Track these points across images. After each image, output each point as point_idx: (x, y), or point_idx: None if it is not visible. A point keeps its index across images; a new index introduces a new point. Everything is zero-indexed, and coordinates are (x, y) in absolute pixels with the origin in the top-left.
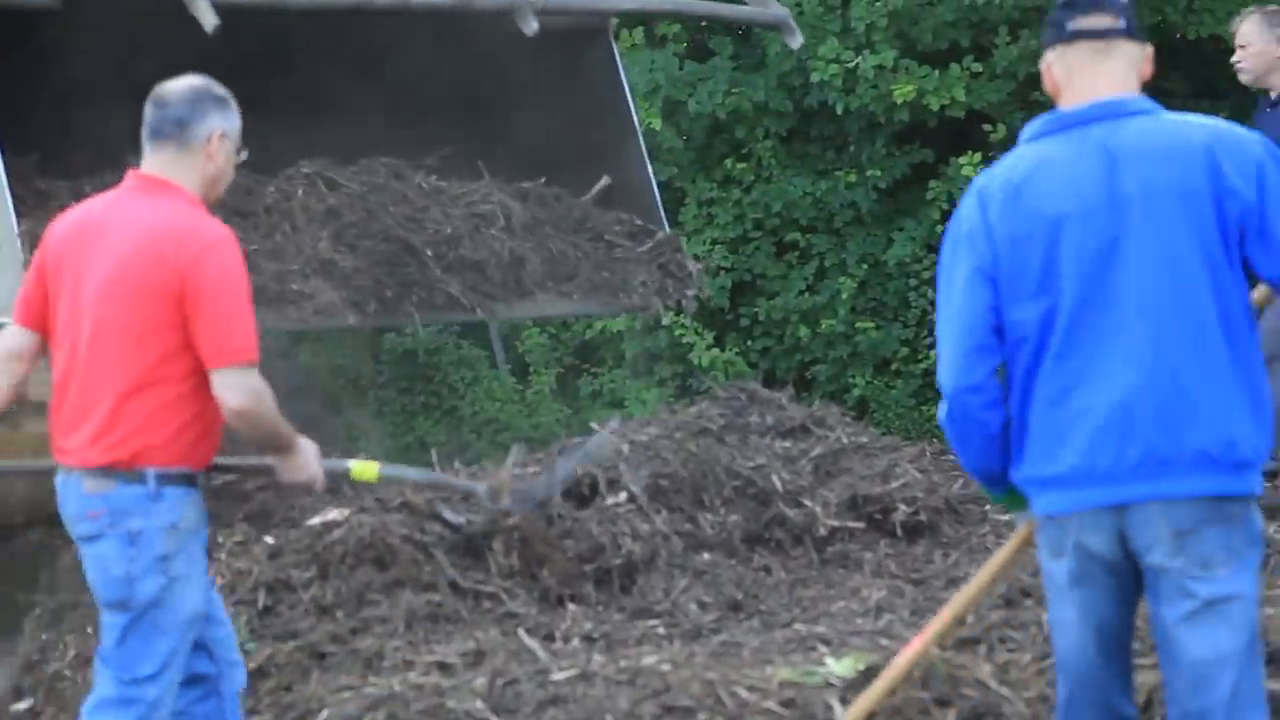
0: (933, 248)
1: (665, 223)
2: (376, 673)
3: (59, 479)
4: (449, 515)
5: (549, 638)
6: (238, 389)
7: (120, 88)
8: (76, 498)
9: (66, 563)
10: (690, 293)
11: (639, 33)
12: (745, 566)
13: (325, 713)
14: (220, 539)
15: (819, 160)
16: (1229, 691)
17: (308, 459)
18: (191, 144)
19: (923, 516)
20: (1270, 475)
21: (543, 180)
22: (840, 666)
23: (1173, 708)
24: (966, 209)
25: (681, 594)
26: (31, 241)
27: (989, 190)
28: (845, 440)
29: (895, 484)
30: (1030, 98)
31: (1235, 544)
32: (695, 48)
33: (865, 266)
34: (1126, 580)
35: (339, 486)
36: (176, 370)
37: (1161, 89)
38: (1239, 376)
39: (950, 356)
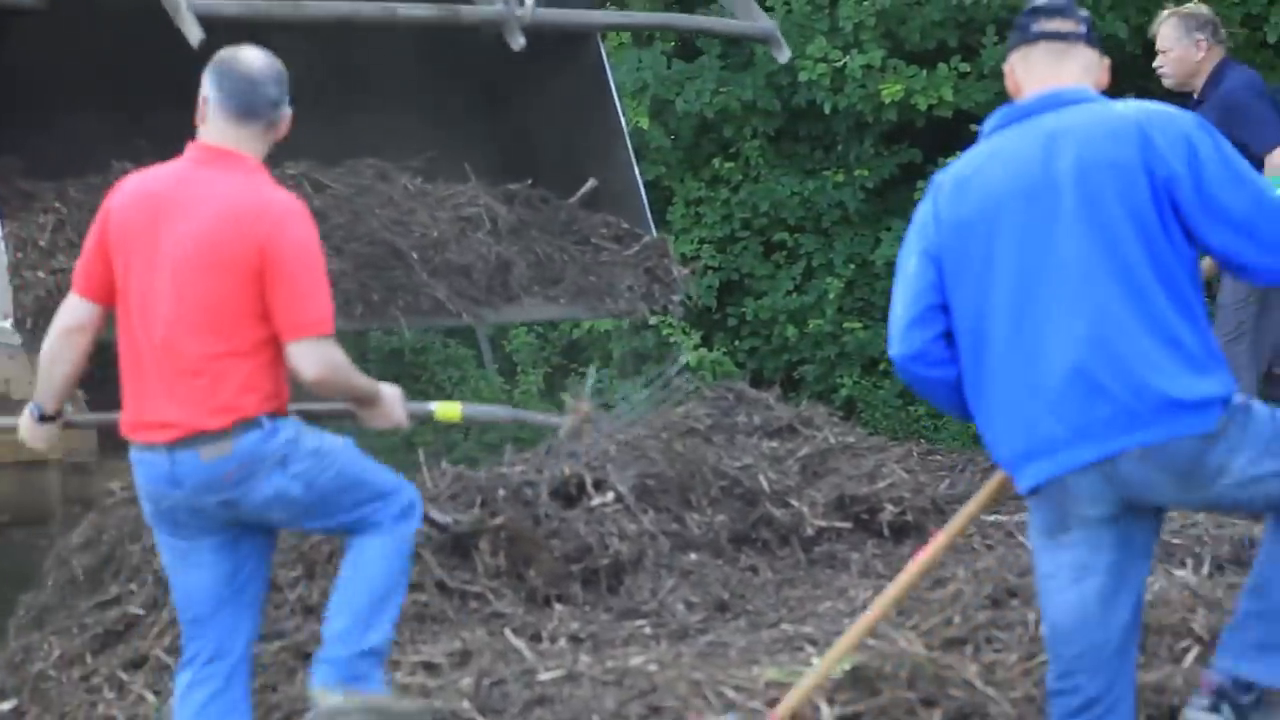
0: None
1: (652, 226)
2: None
3: (155, 458)
4: (435, 515)
5: (536, 638)
6: (315, 360)
7: (104, 89)
8: (198, 470)
9: (50, 563)
10: (676, 298)
11: (626, 32)
12: (732, 566)
13: (312, 713)
14: None
15: (807, 160)
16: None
17: (392, 405)
18: (278, 123)
19: (909, 517)
20: None
21: (529, 182)
22: None
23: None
24: (923, 203)
25: (668, 594)
26: (15, 243)
27: (943, 183)
28: (832, 440)
29: (882, 484)
30: None
31: (1236, 444)
32: (683, 47)
33: (853, 266)
34: (1134, 535)
35: None
36: (266, 335)
37: (1148, 90)
38: (1186, 327)
39: (894, 328)
